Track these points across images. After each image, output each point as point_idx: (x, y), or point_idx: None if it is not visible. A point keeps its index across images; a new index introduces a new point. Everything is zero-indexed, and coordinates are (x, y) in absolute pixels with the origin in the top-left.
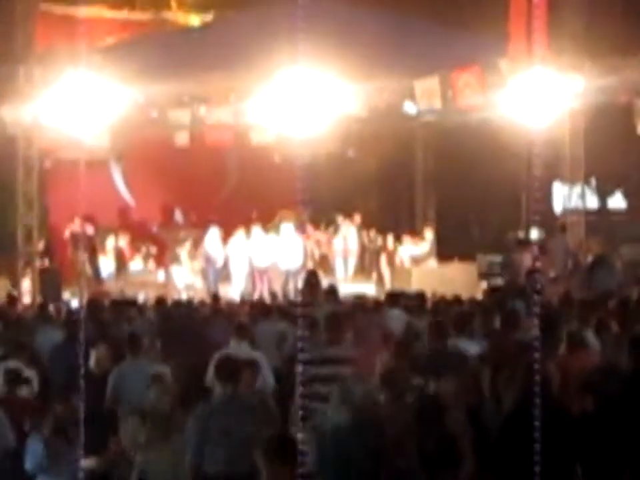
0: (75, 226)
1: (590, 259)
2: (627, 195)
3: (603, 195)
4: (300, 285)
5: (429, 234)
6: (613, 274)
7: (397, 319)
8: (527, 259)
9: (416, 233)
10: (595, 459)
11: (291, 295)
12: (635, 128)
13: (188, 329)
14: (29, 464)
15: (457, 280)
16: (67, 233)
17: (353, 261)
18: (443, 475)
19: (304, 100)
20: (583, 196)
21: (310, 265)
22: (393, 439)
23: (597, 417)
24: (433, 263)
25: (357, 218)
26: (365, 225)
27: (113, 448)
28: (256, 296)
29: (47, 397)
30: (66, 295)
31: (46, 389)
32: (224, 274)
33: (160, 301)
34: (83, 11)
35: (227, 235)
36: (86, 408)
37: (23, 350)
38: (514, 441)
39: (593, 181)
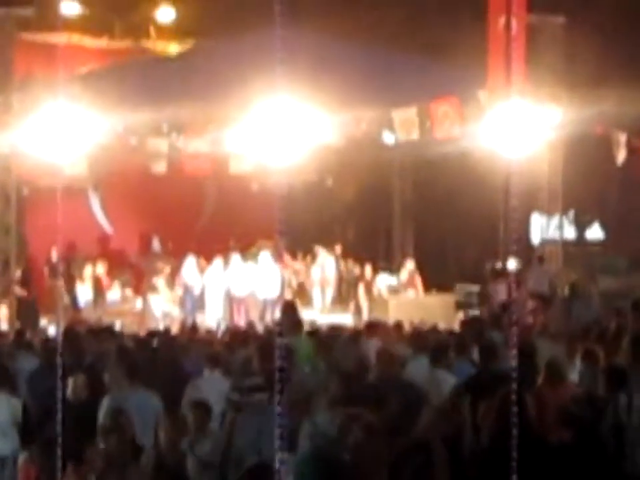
0: (53, 255)
1: (567, 290)
2: (604, 226)
3: (581, 225)
4: (277, 314)
5: (409, 264)
6: (590, 305)
7: (375, 349)
8: (503, 290)
9: (395, 263)
10: None
11: (269, 324)
12: (613, 159)
13: (164, 357)
14: None
15: (434, 310)
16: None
17: (330, 291)
18: None
19: (282, 129)
20: (560, 227)
21: (287, 295)
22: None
23: (575, 448)
24: (411, 293)
25: (337, 248)
26: (342, 255)
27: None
28: (233, 325)
29: (27, 425)
30: (43, 323)
31: (25, 417)
32: (201, 302)
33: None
34: (62, 39)
35: (204, 263)
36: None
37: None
38: (492, 472)
39: (571, 212)
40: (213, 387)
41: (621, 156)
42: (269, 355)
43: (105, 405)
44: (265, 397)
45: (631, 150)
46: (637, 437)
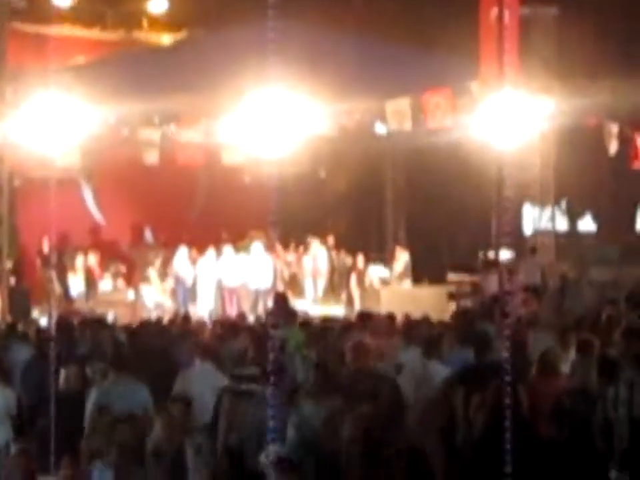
0: (45, 245)
1: (559, 281)
2: (596, 217)
3: (573, 217)
4: (269, 305)
5: (403, 255)
6: (582, 296)
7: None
8: (495, 281)
9: (388, 254)
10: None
11: (261, 314)
12: (605, 150)
13: (156, 348)
14: None
15: (426, 301)
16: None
17: (322, 282)
18: None
19: (274, 120)
20: (553, 218)
21: (279, 285)
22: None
23: (567, 441)
24: (406, 284)
25: (330, 239)
26: (335, 246)
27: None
28: (225, 315)
29: (21, 415)
30: (35, 314)
31: (20, 407)
32: (193, 293)
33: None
34: (55, 30)
35: (196, 254)
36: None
37: None
38: (485, 463)
39: (563, 203)
40: (203, 378)
41: (613, 147)
42: (263, 345)
43: (91, 397)
44: (261, 387)
45: (623, 141)
46: (624, 430)
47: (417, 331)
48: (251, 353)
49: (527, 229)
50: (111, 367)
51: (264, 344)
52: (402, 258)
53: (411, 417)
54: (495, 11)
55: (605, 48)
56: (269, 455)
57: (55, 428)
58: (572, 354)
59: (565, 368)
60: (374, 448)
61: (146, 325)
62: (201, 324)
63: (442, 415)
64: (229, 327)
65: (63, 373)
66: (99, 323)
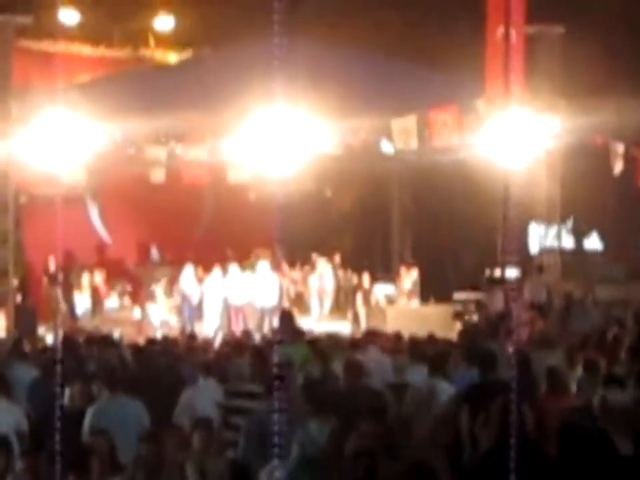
0: (51, 263)
1: (565, 299)
2: (602, 236)
3: (579, 235)
4: (275, 323)
5: (412, 273)
6: (588, 315)
7: (372, 358)
8: (500, 299)
9: (394, 273)
10: None
11: (266, 332)
12: (611, 169)
13: (161, 365)
14: None
15: (432, 320)
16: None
17: (328, 300)
18: None
19: (280, 138)
20: (559, 236)
21: (285, 303)
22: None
23: (574, 458)
24: (413, 302)
25: (336, 257)
26: (340, 264)
27: None
28: (231, 333)
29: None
30: (41, 331)
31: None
32: (199, 311)
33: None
34: (61, 47)
35: (203, 272)
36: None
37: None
38: None
39: (570, 222)
40: (206, 395)
41: (619, 166)
42: (265, 362)
43: (87, 416)
44: (260, 403)
45: (628, 160)
46: None
47: (423, 349)
48: (251, 370)
49: (533, 247)
50: (106, 385)
51: (267, 361)
52: (411, 276)
53: (416, 434)
54: (501, 30)
55: (611, 66)
56: (272, 473)
57: (62, 446)
58: (578, 372)
59: (571, 386)
60: (378, 464)
61: (152, 343)
62: (207, 342)
63: (447, 432)
64: (234, 345)
65: (68, 391)
66: (104, 340)
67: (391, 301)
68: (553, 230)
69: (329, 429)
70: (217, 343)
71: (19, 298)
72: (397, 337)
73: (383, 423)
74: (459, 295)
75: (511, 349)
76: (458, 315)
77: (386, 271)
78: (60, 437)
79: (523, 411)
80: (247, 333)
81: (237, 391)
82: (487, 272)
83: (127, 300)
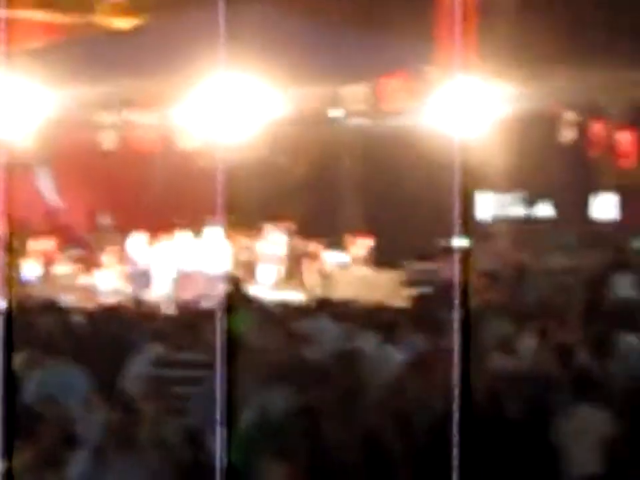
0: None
1: (516, 267)
2: (553, 204)
3: (530, 204)
4: (224, 289)
5: (364, 241)
6: (538, 283)
7: (323, 325)
8: (452, 267)
9: (346, 241)
10: (519, 462)
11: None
12: (562, 137)
13: (111, 332)
14: None
15: (382, 287)
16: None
17: (279, 267)
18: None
19: (231, 105)
20: (509, 205)
21: (235, 270)
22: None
23: (522, 421)
24: (363, 269)
25: (287, 225)
26: (292, 231)
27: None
28: (180, 300)
29: None
30: None
31: None
32: (149, 278)
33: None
34: (12, 14)
35: (152, 239)
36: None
37: None
38: (442, 446)
39: (520, 190)
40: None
41: (570, 134)
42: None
43: (32, 383)
44: (202, 371)
45: (579, 129)
46: None
47: (374, 317)
48: (195, 338)
49: (484, 216)
50: (50, 352)
51: (213, 328)
52: (361, 244)
53: (368, 401)
54: None
55: (562, 33)
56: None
57: (8, 413)
58: (529, 339)
59: (522, 353)
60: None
61: (102, 309)
62: (155, 308)
63: (399, 399)
64: (182, 311)
65: (16, 357)
66: (53, 307)
67: (342, 268)
68: (504, 198)
69: (280, 396)
70: (166, 309)
71: None
72: (348, 304)
73: (331, 388)
74: (409, 264)
75: (461, 317)
76: (408, 283)
77: (337, 239)
78: (7, 404)
79: (472, 377)
80: (196, 300)
81: (177, 360)
82: (438, 241)
83: (77, 266)
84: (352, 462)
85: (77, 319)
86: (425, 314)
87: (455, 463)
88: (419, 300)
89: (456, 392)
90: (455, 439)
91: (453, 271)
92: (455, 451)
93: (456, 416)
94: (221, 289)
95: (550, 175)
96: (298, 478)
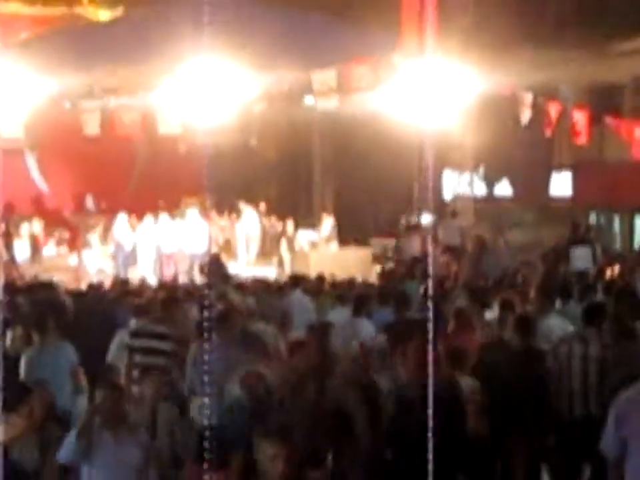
0: None
1: (477, 243)
2: (512, 182)
3: (490, 182)
4: (205, 268)
5: (328, 220)
6: (499, 257)
7: (297, 300)
8: (417, 243)
9: (316, 220)
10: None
11: (196, 277)
12: (520, 118)
13: (97, 310)
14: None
15: (352, 263)
16: None
17: (254, 246)
18: (340, 452)
19: (208, 90)
20: (471, 183)
21: (214, 250)
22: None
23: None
24: (333, 247)
25: (262, 205)
26: (266, 212)
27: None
28: (163, 278)
29: None
30: None
31: None
32: (133, 258)
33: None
34: None
35: (136, 220)
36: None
37: None
38: (409, 417)
39: (481, 169)
40: None
41: (527, 115)
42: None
43: (23, 360)
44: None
45: (536, 110)
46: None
47: (345, 292)
48: (163, 312)
49: (447, 194)
50: (39, 330)
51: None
52: (327, 223)
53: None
54: None
55: (521, 19)
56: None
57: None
58: (493, 311)
59: (485, 325)
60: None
61: (90, 288)
62: (139, 286)
63: (364, 373)
64: (165, 289)
65: (8, 335)
66: (43, 286)
67: (313, 246)
68: (466, 177)
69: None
70: (149, 287)
71: None
72: (320, 279)
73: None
74: (377, 240)
75: (426, 290)
76: (377, 259)
77: (308, 218)
78: (1, 380)
79: (438, 348)
80: (176, 277)
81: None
82: (403, 218)
83: (64, 248)
84: (322, 431)
85: (67, 297)
86: (390, 287)
87: (430, 423)
88: (386, 274)
89: (430, 363)
90: (430, 410)
91: (418, 247)
92: (430, 421)
93: (430, 386)
94: (202, 267)
95: (509, 154)
96: (272, 448)
